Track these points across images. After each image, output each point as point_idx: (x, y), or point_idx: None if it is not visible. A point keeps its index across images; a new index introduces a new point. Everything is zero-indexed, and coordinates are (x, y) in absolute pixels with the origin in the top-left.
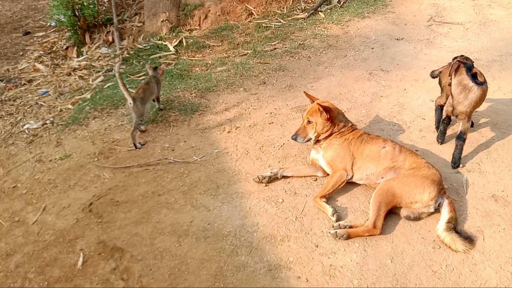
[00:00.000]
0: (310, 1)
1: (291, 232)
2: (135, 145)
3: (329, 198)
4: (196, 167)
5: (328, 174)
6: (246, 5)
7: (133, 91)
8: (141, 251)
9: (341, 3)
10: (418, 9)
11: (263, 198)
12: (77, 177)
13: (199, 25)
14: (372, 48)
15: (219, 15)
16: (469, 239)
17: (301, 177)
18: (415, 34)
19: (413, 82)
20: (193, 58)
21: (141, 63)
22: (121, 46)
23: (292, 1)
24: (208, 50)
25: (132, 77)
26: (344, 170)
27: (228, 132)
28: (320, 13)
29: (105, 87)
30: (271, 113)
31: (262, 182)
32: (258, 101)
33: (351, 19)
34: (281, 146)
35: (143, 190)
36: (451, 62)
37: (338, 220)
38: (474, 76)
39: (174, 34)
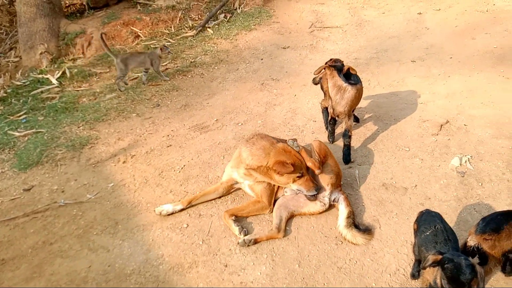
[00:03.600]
0: (197, 18)
1: (198, 256)
2: (120, 89)
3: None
4: (91, 206)
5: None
6: (132, 28)
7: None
8: None
9: (228, 17)
10: (300, 17)
11: (166, 226)
12: None
13: (83, 53)
14: (262, 59)
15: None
16: (367, 231)
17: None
18: (300, 41)
19: (302, 88)
20: (79, 89)
21: (21, 101)
22: None
23: (179, 20)
24: (95, 78)
25: (12, 117)
26: (269, 206)
27: (124, 162)
28: (208, 29)
29: None
30: (168, 135)
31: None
32: (153, 125)
33: (239, 33)
34: (182, 168)
35: (32, 241)
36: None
37: (246, 235)
38: (347, 77)
39: (56, 66)
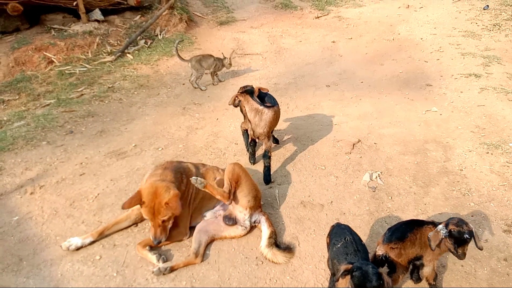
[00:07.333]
0: (116, 44)
1: None
2: (200, 88)
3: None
4: None
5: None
6: (45, 53)
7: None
8: None
9: (149, 43)
10: (221, 44)
11: (77, 260)
12: None
13: None
14: (183, 84)
15: (12, 67)
16: (288, 249)
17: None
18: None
19: (224, 111)
20: None
21: None
22: None
23: (97, 45)
24: (2, 106)
25: None
26: (186, 233)
27: (31, 193)
28: (128, 54)
29: None
30: (81, 163)
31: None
32: (65, 153)
33: (160, 58)
34: (96, 197)
35: None
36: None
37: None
38: (261, 99)
39: None
